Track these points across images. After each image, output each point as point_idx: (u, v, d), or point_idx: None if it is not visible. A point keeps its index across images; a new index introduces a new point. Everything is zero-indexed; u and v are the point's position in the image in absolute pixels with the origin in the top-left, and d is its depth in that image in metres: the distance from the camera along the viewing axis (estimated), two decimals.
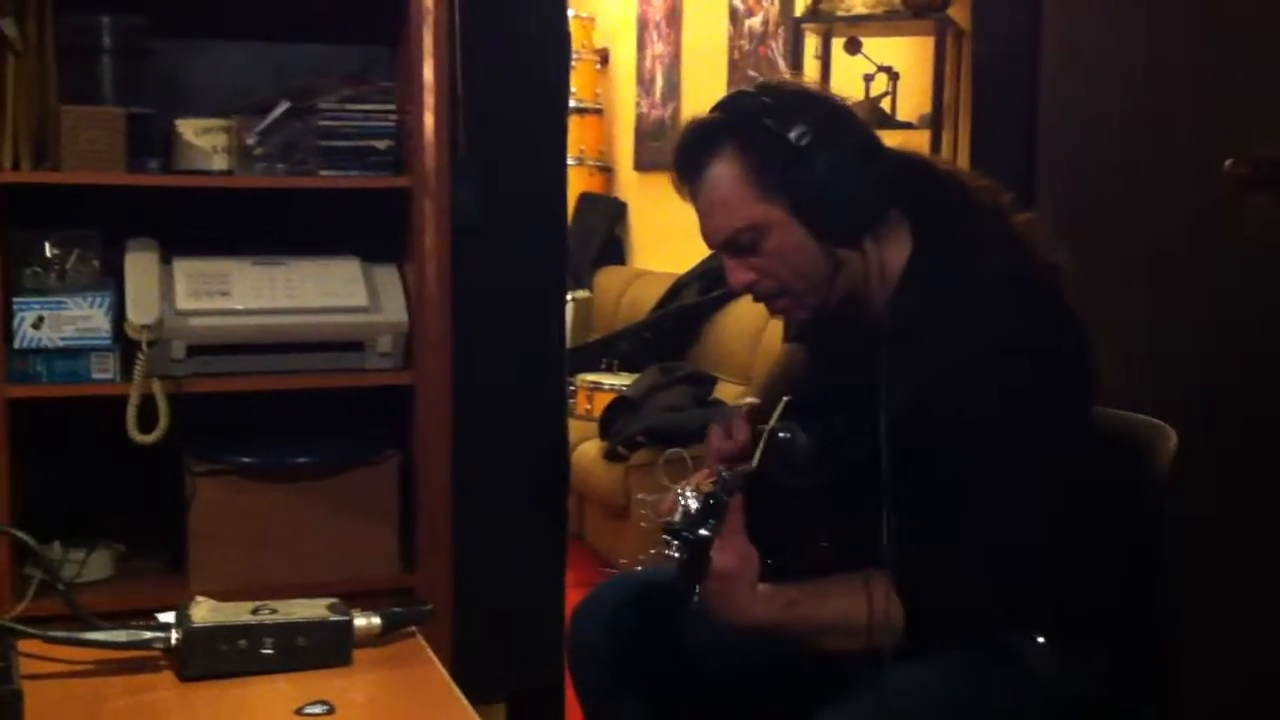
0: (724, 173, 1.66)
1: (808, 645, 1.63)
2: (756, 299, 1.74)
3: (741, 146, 1.65)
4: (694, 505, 1.57)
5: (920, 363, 1.60)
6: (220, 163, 2.31)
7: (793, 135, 1.60)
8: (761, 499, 1.66)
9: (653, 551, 1.61)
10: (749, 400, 1.86)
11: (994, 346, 1.58)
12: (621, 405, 4.43)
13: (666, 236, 5.56)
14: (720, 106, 1.70)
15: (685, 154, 1.70)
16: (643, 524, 1.68)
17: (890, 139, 1.78)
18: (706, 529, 1.56)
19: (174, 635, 1.50)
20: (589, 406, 4.81)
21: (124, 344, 2.20)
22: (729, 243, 1.69)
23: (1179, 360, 2.51)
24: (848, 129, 1.65)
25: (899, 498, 1.56)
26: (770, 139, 1.62)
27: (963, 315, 1.61)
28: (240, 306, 2.28)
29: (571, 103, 5.62)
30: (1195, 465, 1.72)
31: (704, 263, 4.86)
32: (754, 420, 1.74)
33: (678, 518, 1.56)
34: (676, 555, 1.56)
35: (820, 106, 1.66)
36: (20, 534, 1.74)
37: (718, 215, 1.68)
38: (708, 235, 1.71)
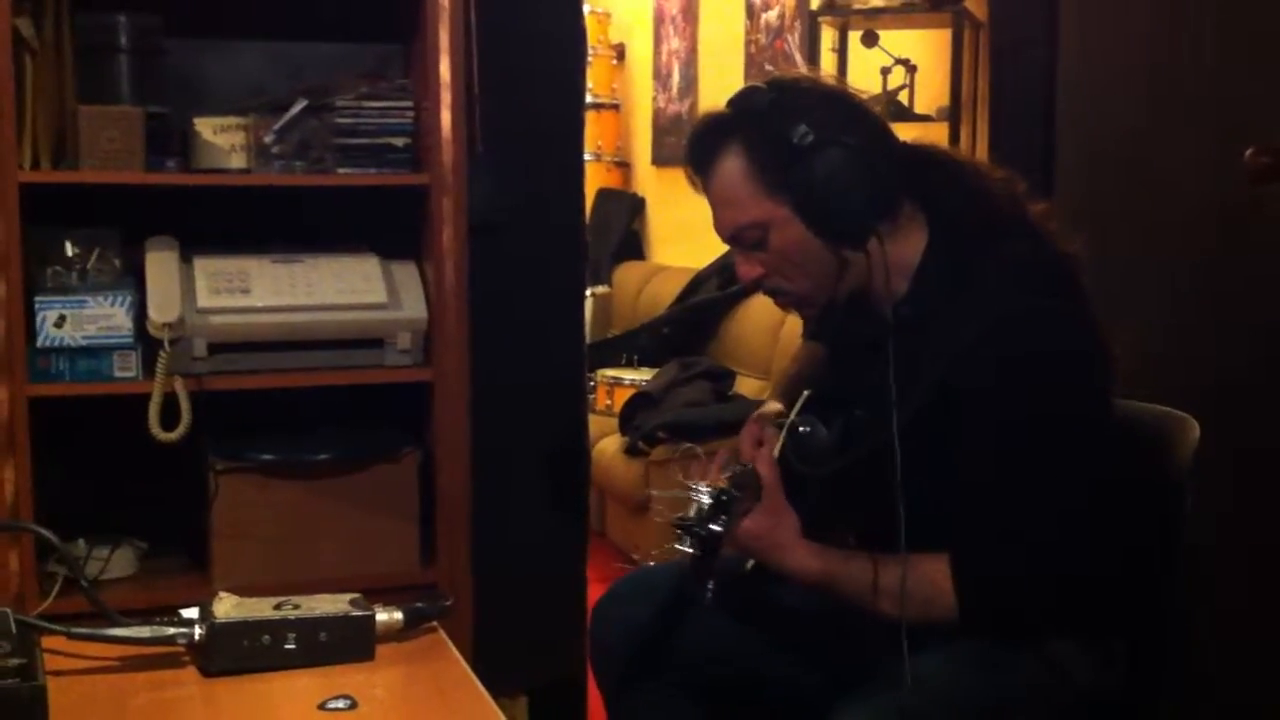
0: (731, 169, 1.67)
1: (858, 603, 1.64)
2: (765, 293, 1.75)
3: (748, 143, 1.66)
4: (706, 501, 1.57)
5: (938, 349, 1.60)
6: (238, 161, 2.32)
7: (796, 135, 1.61)
8: (786, 492, 1.67)
9: (667, 546, 1.61)
10: (775, 406, 1.87)
11: (1014, 321, 1.58)
12: (641, 400, 4.43)
13: (685, 231, 5.55)
14: (731, 102, 1.71)
15: (696, 149, 1.72)
16: (658, 519, 1.69)
17: (908, 132, 1.78)
18: (718, 525, 1.56)
19: (197, 631, 1.51)
20: (609, 402, 4.81)
21: (145, 342, 2.21)
22: (735, 238, 1.71)
23: (1196, 353, 2.50)
24: (856, 127, 1.64)
25: (927, 487, 1.56)
26: (775, 137, 1.63)
27: (980, 299, 1.61)
28: (260, 304, 2.29)
29: (588, 98, 5.65)
30: (1212, 460, 1.71)
31: (723, 258, 4.85)
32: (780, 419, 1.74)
33: (691, 513, 1.57)
34: (689, 550, 1.56)
35: (829, 103, 1.66)
36: (44, 531, 1.74)
37: (725, 211, 1.70)
38: (717, 229, 1.73)
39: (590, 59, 5.92)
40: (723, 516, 1.58)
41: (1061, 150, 2.87)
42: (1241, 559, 2.33)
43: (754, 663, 1.85)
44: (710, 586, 1.62)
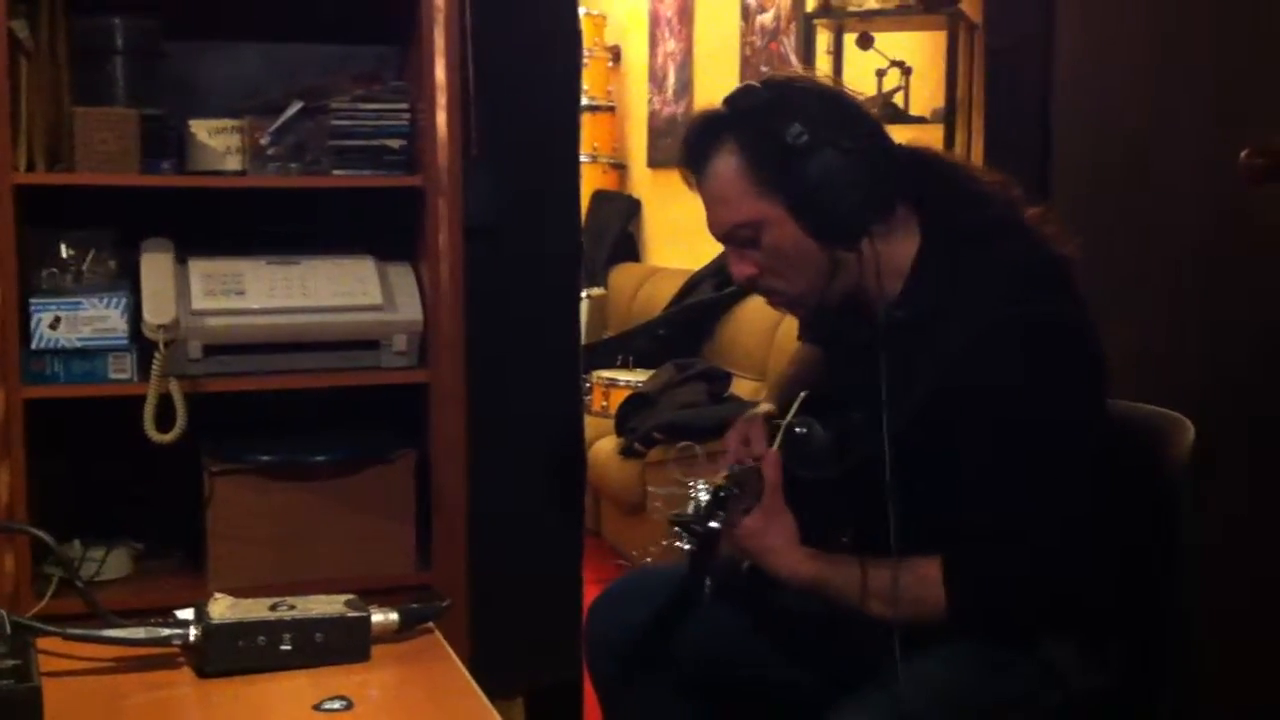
0: (724, 168, 1.68)
1: (850, 606, 1.65)
2: (757, 292, 1.75)
3: (743, 142, 1.66)
4: (705, 498, 1.58)
5: (932, 352, 1.60)
6: (234, 163, 2.32)
7: (790, 134, 1.61)
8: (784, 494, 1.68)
9: (665, 543, 1.62)
10: (766, 407, 1.87)
11: (1008, 322, 1.59)
12: (637, 402, 4.43)
13: (680, 233, 5.56)
14: (726, 101, 1.72)
15: (690, 146, 1.72)
16: (655, 516, 1.70)
17: (903, 134, 1.79)
18: (716, 521, 1.57)
19: (193, 632, 1.51)
20: (604, 403, 4.82)
21: (140, 344, 2.21)
22: (728, 236, 1.71)
23: (1193, 355, 2.51)
24: (851, 128, 1.64)
25: (923, 490, 1.57)
26: (769, 136, 1.63)
27: (974, 300, 1.61)
28: (255, 306, 2.29)
29: (584, 100, 5.66)
30: (1210, 460, 1.72)
31: (718, 259, 4.85)
32: (772, 419, 1.75)
33: (689, 510, 1.58)
34: (687, 547, 1.57)
35: (825, 103, 1.66)
36: (39, 533, 1.74)
37: (718, 209, 1.70)
38: (710, 227, 1.74)
39: (586, 61, 5.94)
40: (720, 513, 1.59)
41: (1057, 152, 2.87)
42: (1241, 558, 2.33)
43: (752, 663, 1.85)
44: (708, 584, 1.63)
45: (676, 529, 1.58)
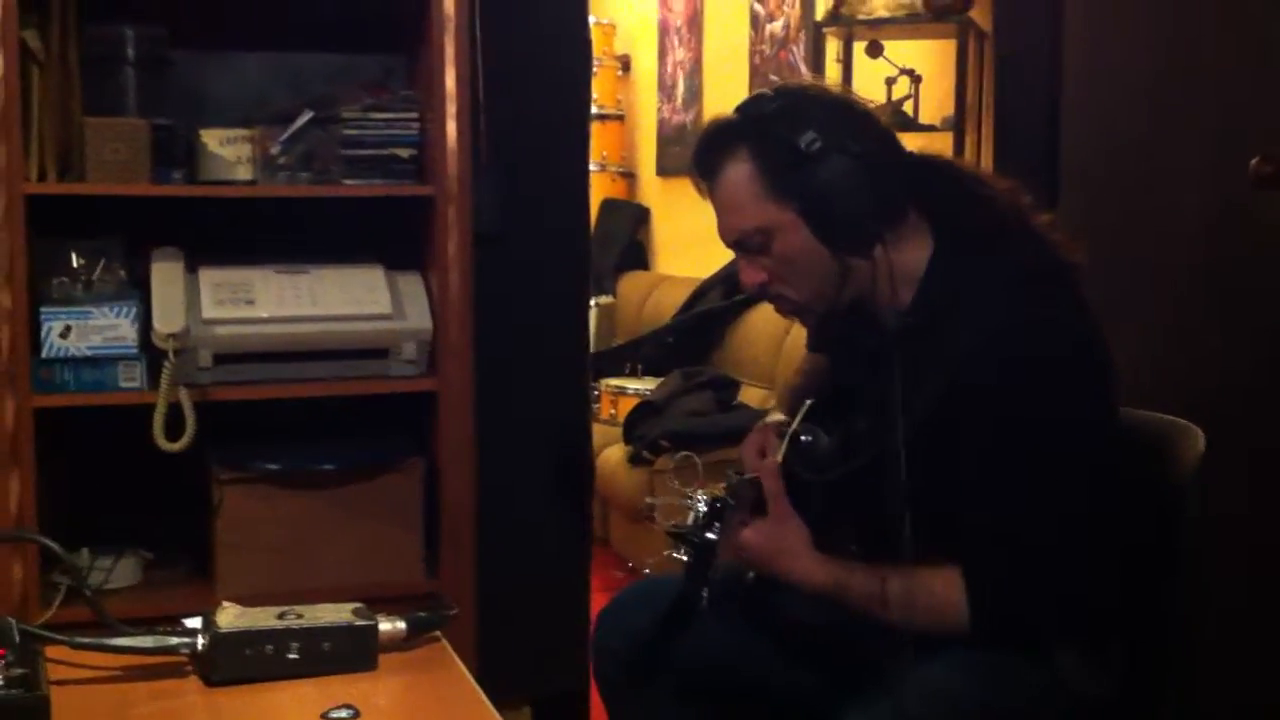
0: (737, 174, 1.68)
1: (869, 613, 1.64)
2: (766, 299, 1.75)
3: (755, 149, 1.66)
4: (702, 509, 1.59)
5: (941, 356, 1.60)
6: (244, 172, 2.33)
7: (803, 141, 1.61)
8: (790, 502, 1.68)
9: (666, 553, 1.62)
10: (777, 416, 1.87)
11: (1013, 329, 1.59)
12: (645, 410, 4.43)
13: (689, 241, 5.56)
14: (739, 108, 1.72)
15: (703, 153, 1.73)
16: (655, 527, 1.70)
17: (913, 142, 1.79)
18: (712, 532, 1.57)
19: (200, 641, 1.51)
20: (613, 411, 4.82)
21: (150, 353, 2.22)
22: (740, 242, 1.72)
23: (1202, 361, 2.50)
24: (863, 135, 1.65)
25: (928, 494, 1.56)
26: (782, 143, 1.63)
27: (982, 308, 1.61)
28: (265, 314, 2.29)
29: (593, 109, 5.65)
30: (1218, 466, 1.72)
31: (727, 267, 4.85)
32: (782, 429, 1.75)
33: (687, 521, 1.58)
34: (684, 558, 1.57)
35: (837, 111, 1.67)
36: (48, 541, 1.75)
37: (729, 215, 1.71)
38: (721, 233, 1.74)
39: (595, 70, 5.94)
40: (717, 524, 1.59)
41: (1065, 159, 2.87)
42: (1244, 562, 2.33)
43: (756, 670, 1.85)
44: (705, 594, 1.63)
45: (673, 539, 1.58)
